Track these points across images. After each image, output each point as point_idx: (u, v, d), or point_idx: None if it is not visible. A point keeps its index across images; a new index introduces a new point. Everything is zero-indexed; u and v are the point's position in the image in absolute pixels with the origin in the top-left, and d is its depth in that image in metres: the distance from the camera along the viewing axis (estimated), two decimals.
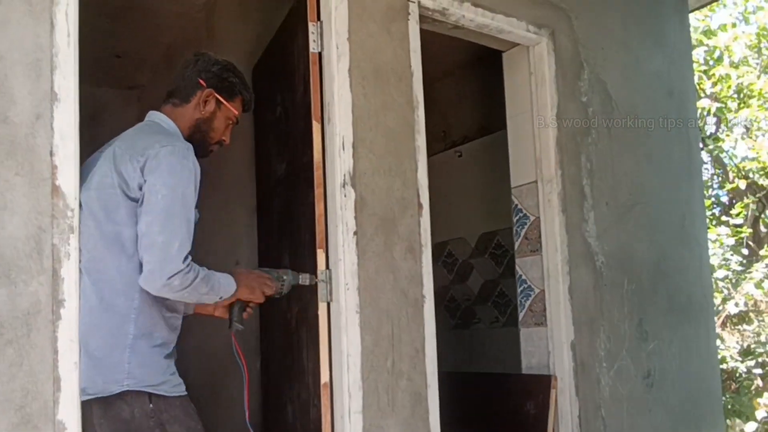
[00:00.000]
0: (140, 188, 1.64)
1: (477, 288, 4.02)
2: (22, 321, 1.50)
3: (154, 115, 1.85)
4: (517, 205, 2.81)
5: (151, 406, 1.59)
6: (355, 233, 2.06)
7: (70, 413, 1.53)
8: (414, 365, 2.12)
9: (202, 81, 1.84)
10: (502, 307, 3.86)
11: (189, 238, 1.64)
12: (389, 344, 2.07)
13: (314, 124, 2.13)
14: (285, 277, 1.94)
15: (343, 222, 2.04)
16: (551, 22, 2.74)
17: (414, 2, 2.32)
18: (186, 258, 1.61)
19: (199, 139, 1.85)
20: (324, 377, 2.02)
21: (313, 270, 2.08)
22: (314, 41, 2.16)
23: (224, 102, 1.86)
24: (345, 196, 2.05)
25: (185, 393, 1.69)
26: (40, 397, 1.50)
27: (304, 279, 1.99)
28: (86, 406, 1.58)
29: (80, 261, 1.61)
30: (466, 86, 4.13)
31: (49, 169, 1.57)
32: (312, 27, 2.16)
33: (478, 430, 2.77)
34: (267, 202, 2.71)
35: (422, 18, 2.37)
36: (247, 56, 3.06)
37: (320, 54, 2.16)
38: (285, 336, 2.35)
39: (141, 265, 1.62)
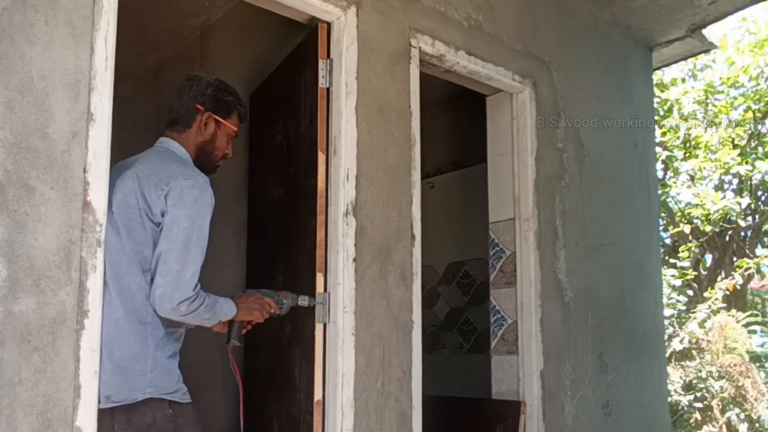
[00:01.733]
0: (162, 214, 1.75)
1: (443, 315, 4.18)
2: (49, 329, 1.56)
3: (166, 142, 1.96)
4: (493, 240, 3.00)
5: (170, 411, 1.70)
6: (355, 260, 2.19)
7: (87, 420, 1.59)
8: (401, 387, 2.25)
9: (199, 106, 1.96)
10: (467, 335, 4.03)
11: (199, 266, 1.76)
12: (380, 366, 2.20)
13: (320, 155, 2.26)
14: (285, 301, 2.05)
15: (344, 248, 2.17)
16: (534, 73, 2.97)
17: (416, 47, 2.49)
18: (196, 286, 1.73)
19: (204, 159, 1.98)
20: (317, 395, 2.12)
21: (309, 291, 2.19)
22: (323, 77, 2.30)
23: (222, 121, 1.99)
24: (347, 224, 2.18)
25: (190, 401, 1.79)
26: (61, 404, 1.56)
27: (303, 300, 2.10)
28: (107, 413, 1.65)
29: (105, 274, 1.69)
30: (440, 122, 4.32)
31: (81, 185, 1.65)
32: (321, 63, 2.30)
33: None
34: (259, 223, 2.81)
35: (421, 62, 2.54)
36: (240, 81, 3.16)
37: (328, 90, 2.30)
38: (275, 354, 2.44)
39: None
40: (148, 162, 1.85)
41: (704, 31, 3.64)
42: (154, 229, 1.75)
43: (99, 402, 1.63)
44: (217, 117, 1.97)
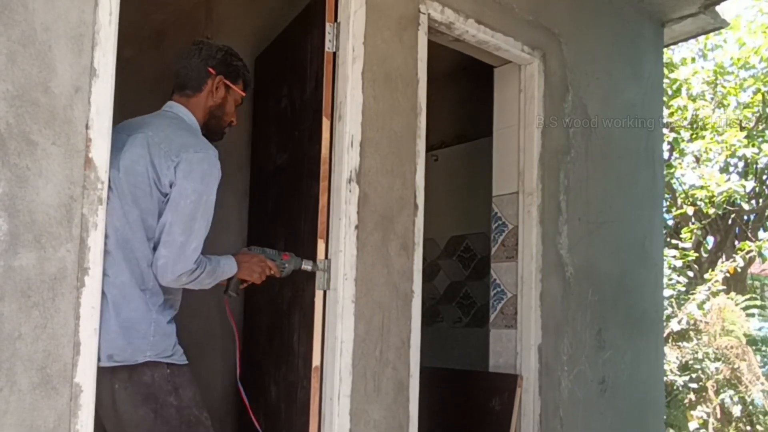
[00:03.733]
0: (170, 185, 1.75)
1: (443, 288, 4.19)
2: (49, 285, 1.56)
3: (175, 107, 1.94)
4: (496, 213, 2.98)
5: (168, 371, 1.73)
6: (357, 227, 2.18)
7: (87, 377, 1.59)
8: (399, 355, 2.25)
9: (211, 69, 1.95)
10: (466, 308, 4.04)
11: (203, 239, 1.77)
12: (379, 334, 2.20)
13: (324, 121, 2.23)
14: (287, 265, 2.04)
15: (347, 216, 2.15)
16: (544, 45, 2.92)
17: (425, 14, 2.45)
18: (198, 258, 1.75)
19: (213, 124, 1.97)
20: (316, 361, 2.13)
21: (310, 258, 2.18)
22: (330, 41, 2.27)
23: (232, 86, 1.98)
24: (350, 191, 2.17)
25: (187, 362, 1.81)
26: (60, 360, 1.56)
27: (307, 265, 2.10)
28: (107, 372, 1.67)
29: (108, 236, 1.69)
30: (446, 94, 4.27)
31: (83, 141, 1.63)
32: (329, 27, 2.26)
33: (446, 422, 2.93)
34: (261, 189, 2.79)
35: (429, 29, 2.50)
36: (246, 44, 3.11)
37: (335, 54, 2.27)
38: (274, 320, 2.45)
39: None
40: (158, 129, 1.83)
41: (717, 8, 3.58)
42: (160, 198, 1.75)
43: (100, 360, 1.64)
44: (227, 81, 1.96)
